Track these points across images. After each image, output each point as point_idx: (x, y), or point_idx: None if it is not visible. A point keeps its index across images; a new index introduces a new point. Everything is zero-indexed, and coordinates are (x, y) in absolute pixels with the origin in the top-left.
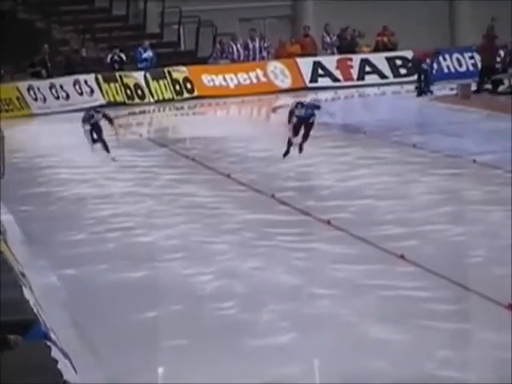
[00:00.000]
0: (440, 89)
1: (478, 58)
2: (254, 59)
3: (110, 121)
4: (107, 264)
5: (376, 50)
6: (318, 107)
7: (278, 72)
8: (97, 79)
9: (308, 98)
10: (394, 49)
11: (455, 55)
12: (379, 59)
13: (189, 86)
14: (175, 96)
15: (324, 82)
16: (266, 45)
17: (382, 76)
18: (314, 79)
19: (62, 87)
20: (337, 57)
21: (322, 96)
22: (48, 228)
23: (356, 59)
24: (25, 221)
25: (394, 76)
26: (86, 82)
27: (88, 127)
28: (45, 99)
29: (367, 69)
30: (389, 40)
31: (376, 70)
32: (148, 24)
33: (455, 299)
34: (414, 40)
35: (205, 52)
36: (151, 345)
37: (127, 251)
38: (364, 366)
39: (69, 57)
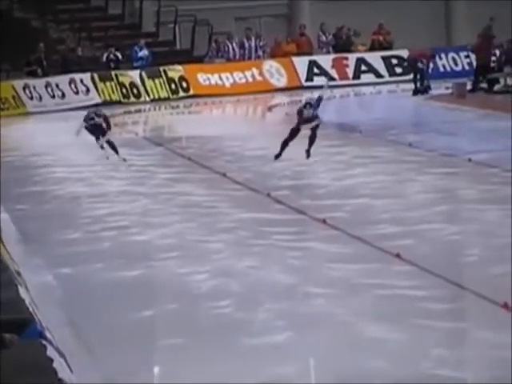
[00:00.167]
0: (436, 88)
1: (473, 57)
2: (249, 58)
3: (109, 125)
4: (103, 263)
5: (372, 48)
6: (321, 99)
7: (273, 71)
8: (92, 78)
9: (303, 97)
10: (389, 47)
11: (451, 54)
12: (375, 58)
13: (184, 84)
14: (171, 95)
15: (320, 80)
16: (261, 44)
17: (378, 75)
18: (309, 78)
19: (57, 86)
20: (332, 56)
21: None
22: (43, 227)
23: (352, 58)
24: (20, 219)
25: (390, 75)
26: (81, 80)
27: (89, 127)
28: (40, 98)
29: (363, 68)
30: (384, 39)
31: (372, 69)
32: (144, 23)
33: (451, 298)
34: (409, 39)
35: (200, 51)
36: (147, 344)
37: (123, 250)
38: (360, 366)
39: (65, 55)
